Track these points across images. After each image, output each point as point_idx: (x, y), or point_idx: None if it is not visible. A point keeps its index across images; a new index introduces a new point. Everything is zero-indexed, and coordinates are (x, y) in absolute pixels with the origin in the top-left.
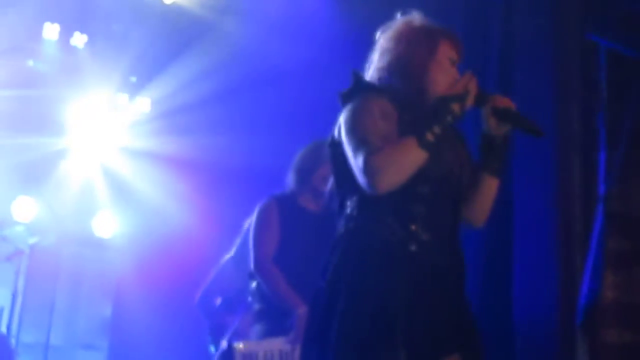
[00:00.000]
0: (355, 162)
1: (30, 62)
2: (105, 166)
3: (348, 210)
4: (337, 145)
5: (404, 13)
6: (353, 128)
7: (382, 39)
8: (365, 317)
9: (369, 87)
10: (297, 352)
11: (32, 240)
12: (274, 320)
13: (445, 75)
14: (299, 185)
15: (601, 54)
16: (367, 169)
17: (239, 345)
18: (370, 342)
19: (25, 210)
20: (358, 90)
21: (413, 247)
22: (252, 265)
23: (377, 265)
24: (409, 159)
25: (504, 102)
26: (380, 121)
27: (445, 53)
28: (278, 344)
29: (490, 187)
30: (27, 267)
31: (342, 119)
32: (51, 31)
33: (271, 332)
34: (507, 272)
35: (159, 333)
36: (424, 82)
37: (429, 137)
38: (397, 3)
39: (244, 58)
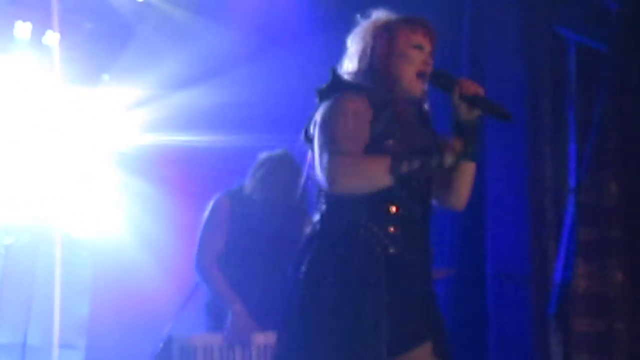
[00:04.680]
0: (320, 159)
1: (1, 61)
2: (80, 165)
3: (323, 206)
4: (312, 140)
5: (363, 15)
6: (325, 126)
7: (349, 44)
8: (349, 311)
9: (346, 85)
10: (237, 349)
11: (7, 241)
12: (217, 314)
13: (409, 64)
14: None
15: (570, 47)
16: (330, 168)
17: (179, 338)
18: (354, 335)
19: (0, 210)
20: (335, 87)
21: (392, 250)
22: (194, 263)
23: (358, 266)
24: (374, 176)
25: (472, 87)
26: (353, 122)
27: (407, 42)
28: (218, 339)
29: (466, 171)
30: (3, 267)
31: (317, 116)
32: (23, 30)
33: (214, 326)
34: (480, 262)
35: (136, 332)
36: (389, 77)
37: (404, 167)
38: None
39: (219, 56)
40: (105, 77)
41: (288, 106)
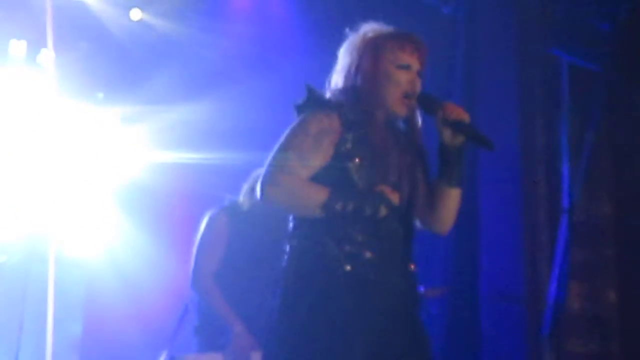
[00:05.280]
0: (267, 166)
1: None
2: (74, 183)
3: (290, 224)
4: None
5: (352, 28)
6: (283, 138)
7: (339, 58)
8: (318, 330)
9: (320, 101)
10: None
11: None
12: (209, 336)
13: (394, 86)
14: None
15: (563, 67)
16: (267, 177)
17: (182, 358)
18: (327, 354)
19: None
20: (310, 103)
21: (348, 267)
22: (190, 278)
23: (317, 285)
24: (305, 204)
25: (456, 112)
26: (311, 141)
27: (394, 61)
28: (219, 358)
29: (450, 197)
30: None
31: None
32: (17, 48)
33: (206, 347)
34: (474, 283)
35: (129, 351)
36: (373, 96)
37: (338, 207)
38: (363, 17)
39: (213, 74)
40: (100, 95)
41: (284, 122)
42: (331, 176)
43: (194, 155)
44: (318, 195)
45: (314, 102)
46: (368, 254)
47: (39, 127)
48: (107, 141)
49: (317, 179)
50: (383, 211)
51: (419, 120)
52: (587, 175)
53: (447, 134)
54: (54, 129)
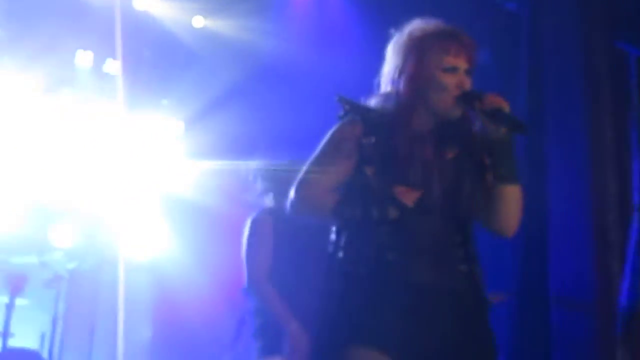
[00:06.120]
0: (296, 179)
1: (65, 90)
2: (142, 190)
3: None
4: None
5: (398, 27)
6: (316, 151)
7: (386, 60)
8: (339, 340)
9: (348, 112)
10: None
11: (71, 266)
12: (272, 336)
13: (441, 91)
14: None
15: (631, 62)
16: (293, 192)
17: None
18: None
19: (64, 236)
20: (342, 115)
21: (363, 270)
22: (246, 282)
23: (337, 291)
24: (322, 213)
25: (495, 101)
26: (333, 149)
27: (438, 64)
28: None
29: (507, 195)
30: (67, 292)
31: None
32: (84, 58)
33: (270, 349)
34: (544, 284)
35: (197, 353)
36: (413, 101)
37: (347, 212)
38: (423, 13)
39: (278, 78)
40: (165, 102)
41: None
42: (354, 182)
43: (258, 160)
44: (329, 202)
45: (345, 112)
46: (390, 255)
47: (107, 136)
48: (173, 147)
49: (342, 186)
50: (392, 213)
51: (474, 118)
52: None
53: (489, 127)
54: (121, 138)
